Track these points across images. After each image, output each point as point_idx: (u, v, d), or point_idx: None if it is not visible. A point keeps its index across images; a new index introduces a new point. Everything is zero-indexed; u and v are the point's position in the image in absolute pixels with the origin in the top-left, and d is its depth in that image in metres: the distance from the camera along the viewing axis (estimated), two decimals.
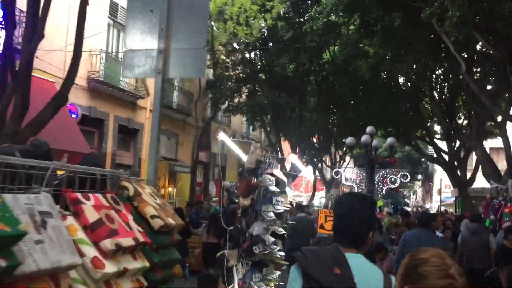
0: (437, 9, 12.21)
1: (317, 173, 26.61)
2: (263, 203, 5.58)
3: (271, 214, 5.57)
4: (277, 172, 6.01)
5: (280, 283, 5.95)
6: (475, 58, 16.28)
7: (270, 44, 19.47)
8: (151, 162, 4.06)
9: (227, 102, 20.56)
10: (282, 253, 5.95)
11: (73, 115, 13.65)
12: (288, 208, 6.29)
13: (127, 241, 2.72)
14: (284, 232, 5.97)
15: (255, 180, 5.58)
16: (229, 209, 5.89)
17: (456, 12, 11.40)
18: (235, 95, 20.40)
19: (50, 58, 12.19)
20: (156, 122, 4.16)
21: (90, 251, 2.49)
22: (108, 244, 2.56)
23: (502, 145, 28.69)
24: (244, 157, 5.99)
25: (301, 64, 19.08)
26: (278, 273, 5.94)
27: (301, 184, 36.39)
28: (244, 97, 20.83)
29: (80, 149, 11.46)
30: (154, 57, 4.23)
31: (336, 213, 2.45)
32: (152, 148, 4.10)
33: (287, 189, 6.17)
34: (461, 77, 17.37)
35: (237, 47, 19.38)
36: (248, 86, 20.89)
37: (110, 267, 2.54)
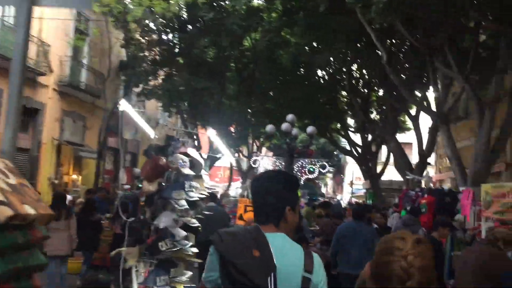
0: None
1: (233, 162, 25.76)
2: (174, 189, 4.45)
3: (183, 202, 4.45)
4: (192, 151, 4.88)
5: (192, 285, 4.85)
6: (393, 49, 16.16)
7: (189, 26, 18.05)
8: (8, 127, 2.78)
9: (141, 85, 18.91)
10: (195, 249, 4.84)
11: None
12: (204, 196, 5.18)
13: None
14: (198, 224, 4.88)
15: (164, 161, 4.43)
16: (131, 196, 4.67)
17: None
18: (150, 78, 18.81)
19: None
20: (17, 69, 2.85)
21: None
22: None
23: (410, 140, 29.81)
24: (151, 133, 4.76)
25: (221, 49, 17.95)
26: (189, 273, 4.81)
27: (217, 174, 35.43)
28: (160, 80, 19.29)
29: None
30: None
31: (252, 192, 2.33)
32: (11, 107, 2.81)
33: (203, 172, 5.06)
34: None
35: (153, 27, 17.84)
36: (165, 69, 19.38)
37: None
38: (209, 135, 5.94)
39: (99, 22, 16.68)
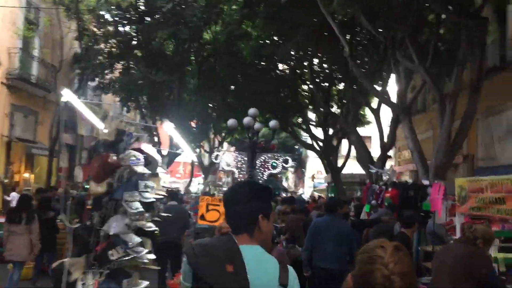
0: None
1: (195, 158, 25.11)
2: (126, 189, 3.91)
3: (137, 205, 3.91)
4: (148, 147, 4.34)
5: None
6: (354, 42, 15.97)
7: (147, 17, 17.21)
8: None
9: (97, 78, 17.98)
10: (152, 256, 4.31)
11: None
12: (162, 196, 4.64)
13: None
14: (155, 228, 4.34)
15: (115, 158, 3.88)
16: (76, 198, 4.08)
17: None
18: (107, 71, 17.91)
19: None
20: None
21: None
22: None
23: (370, 134, 30.02)
24: (101, 126, 4.18)
25: (181, 41, 17.27)
26: (144, 283, 4.27)
27: (178, 170, 34.63)
28: (117, 74, 18.41)
29: None
30: None
31: (224, 203, 2.27)
32: None
33: (160, 170, 4.53)
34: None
35: (109, 19, 16.95)
36: (122, 62, 18.50)
37: None
38: (167, 129, 5.47)
39: (51, 12, 15.64)
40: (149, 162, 4.22)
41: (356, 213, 12.39)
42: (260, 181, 15.73)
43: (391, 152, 20.61)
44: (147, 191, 4.07)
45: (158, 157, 4.45)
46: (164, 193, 4.69)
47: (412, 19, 12.26)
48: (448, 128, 11.70)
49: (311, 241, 6.67)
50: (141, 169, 4.00)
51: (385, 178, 11.80)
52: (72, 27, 16.35)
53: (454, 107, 11.70)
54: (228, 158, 17.12)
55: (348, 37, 14.38)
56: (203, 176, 27.09)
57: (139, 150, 4.15)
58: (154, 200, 4.33)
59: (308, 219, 8.89)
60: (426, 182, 10.96)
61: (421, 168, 12.24)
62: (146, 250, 4.17)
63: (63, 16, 15.53)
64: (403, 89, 13.24)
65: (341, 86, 22.81)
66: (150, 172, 4.19)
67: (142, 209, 3.95)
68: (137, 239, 3.92)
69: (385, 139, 16.98)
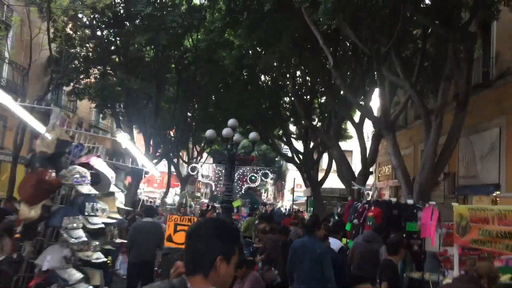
0: None
1: (172, 168, 24.23)
2: (67, 214, 3.14)
3: (79, 233, 3.15)
4: (98, 162, 3.59)
5: None
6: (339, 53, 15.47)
7: (126, 22, 16.41)
8: None
9: (72, 83, 17.05)
10: None
11: None
12: (115, 221, 3.88)
13: None
14: (104, 259, 3.57)
15: (53, 175, 3.12)
16: (4, 223, 3.30)
17: None
18: (82, 76, 17.01)
19: None
20: None
21: None
22: None
23: (350, 148, 29.59)
24: (47, 135, 3.39)
25: (160, 47, 16.53)
26: None
27: (155, 179, 33.61)
28: (93, 79, 17.52)
29: None
30: None
31: (185, 237, 2.05)
32: None
33: (115, 189, 3.78)
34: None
35: (86, 21, 16.10)
36: (99, 67, 17.64)
37: None
38: (121, 140, 4.67)
39: (23, 11, 14.72)
40: (100, 180, 3.48)
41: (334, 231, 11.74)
42: (238, 195, 15.01)
43: (372, 168, 20.14)
44: (95, 215, 3.32)
45: (111, 174, 3.71)
46: (118, 216, 3.93)
47: (398, 32, 11.79)
48: (434, 144, 11.20)
49: (289, 265, 6.45)
50: (86, 189, 3.25)
51: (367, 196, 11.17)
52: (45, 28, 15.43)
53: (441, 123, 11.22)
54: (206, 169, 16.34)
55: (332, 47, 13.84)
56: (180, 186, 26.19)
57: (86, 165, 3.41)
58: (105, 226, 3.57)
59: (287, 241, 8.19)
60: (410, 202, 10.39)
61: (405, 185, 11.70)
62: (92, 285, 3.40)
63: (35, 16, 14.62)
64: (387, 104, 12.71)
65: (323, 99, 22.36)
66: (99, 192, 3.45)
67: (85, 238, 3.20)
68: (78, 275, 3.14)
69: (367, 154, 16.46)
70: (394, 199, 10.65)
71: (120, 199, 3.97)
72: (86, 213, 3.27)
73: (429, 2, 12.46)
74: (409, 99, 12.80)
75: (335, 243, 7.38)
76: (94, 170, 3.44)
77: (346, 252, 7.46)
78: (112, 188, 3.70)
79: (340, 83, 13.01)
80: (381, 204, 10.64)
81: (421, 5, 12.32)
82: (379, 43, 12.27)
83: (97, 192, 3.37)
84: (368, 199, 11.27)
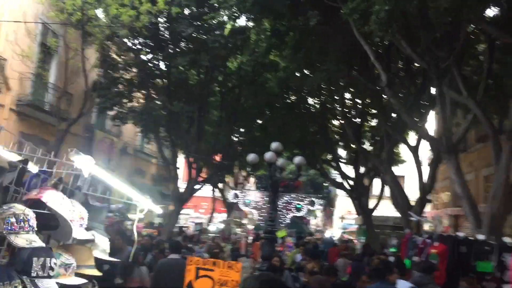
0: (360, 4, 9.53)
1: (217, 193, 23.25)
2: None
3: None
4: (55, 199, 2.47)
5: None
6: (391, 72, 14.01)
7: (167, 43, 15.71)
8: None
9: (116, 107, 16.53)
10: None
11: None
12: (85, 281, 2.72)
13: None
14: None
15: None
16: None
17: (383, 6, 8.75)
18: (125, 101, 16.46)
19: None
20: None
21: None
22: None
23: (402, 173, 27.48)
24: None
25: (202, 68, 15.75)
26: None
27: (202, 205, 32.76)
28: (136, 103, 16.95)
29: None
30: None
31: None
32: None
33: (87, 236, 2.66)
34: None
35: (129, 43, 15.62)
36: (142, 91, 17.08)
37: None
38: (80, 165, 3.55)
39: (67, 38, 14.39)
40: (58, 225, 2.38)
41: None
42: (283, 224, 13.66)
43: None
44: (48, 276, 2.21)
45: (82, 214, 2.60)
46: (97, 273, 2.77)
47: (461, 42, 10.31)
48: (506, 170, 9.51)
49: None
50: (23, 240, 2.14)
51: (438, 229, 9.54)
52: (90, 54, 15.05)
53: None
54: (252, 195, 15.19)
55: (384, 63, 12.46)
56: (227, 213, 25.11)
57: (38, 201, 2.33)
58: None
59: (338, 284, 6.79)
60: (481, 237, 8.72)
61: (472, 218, 9.97)
62: None
63: (74, 39, 14.22)
64: (448, 124, 11.10)
65: (373, 122, 20.81)
66: (47, 242, 2.34)
67: None
68: None
69: (424, 180, 14.72)
70: (461, 234, 8.98)
71: (102, 246, 2.86)
72: (33, 274, 2.15)
73: (497, 12, 10.88)
74: (474, 118, 11.13)
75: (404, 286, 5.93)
76: (48, 209, 2.35)
77: None
78: (83, 235, 2.58)
79: (394, 102, 11.58)
80: (446, 239, 9.04)
81: (486, 14, 10.78)
82: (438, 58, 10.80)
83: (42, 244, 2.26)
84: (429, 233, 9.69)
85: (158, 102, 16.72)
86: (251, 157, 12.30)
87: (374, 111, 18.78)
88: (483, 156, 17.31)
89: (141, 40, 15.73)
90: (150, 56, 16.53)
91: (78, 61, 14.36)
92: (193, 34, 14.21)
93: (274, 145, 11.84)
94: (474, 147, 18.33)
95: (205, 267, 4.83)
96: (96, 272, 2.71)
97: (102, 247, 2.86)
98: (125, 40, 15.49)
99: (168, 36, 15.26)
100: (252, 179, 27.86)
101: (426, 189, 14.45)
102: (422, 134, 12.62)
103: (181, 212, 18.73)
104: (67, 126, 14.03)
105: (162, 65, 16.42)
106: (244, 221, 31.27)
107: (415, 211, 13.89)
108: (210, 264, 4.83)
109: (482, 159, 17.37)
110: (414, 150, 14.66)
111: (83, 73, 13.77)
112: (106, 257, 2.90)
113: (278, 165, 11.63)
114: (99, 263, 2.84)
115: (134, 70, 16.54)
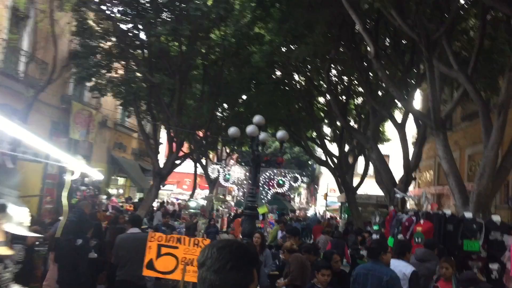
0: None
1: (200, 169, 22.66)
2: None
3: None
4: None
5: None
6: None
7: (149, 12, 14.80)
8: None
9: (93, 79, 15.66)
10: None
11: None
12: None
13: None
14: None
15: None
16: None
17: None
18: (104, 71, 15.60)
19: None
20: None
21: None
22: None
23: (387, 152, 27.14)
24: None
25: (184, 39, 14.93)
26: None
27: (185, 181, 32.20)
28: (115, 74, 16.08)
29: None
30: None
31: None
32: None
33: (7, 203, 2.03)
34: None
35: (109, 13, 14.72)
36: (122, 62, 16.21)
37: None
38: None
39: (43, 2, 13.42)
40: None
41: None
42: (263, 200, 13.16)
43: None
44: None
45: None
46: (7, 252, 2.17)
47: (453, 13, 9.71)
48: (496, 147, 9.04)
49: None
50: None
51: (424, 206, 9.05)
52: (65, 21, 14.13)
53: (504, 121, 9.06)
54: (234, 172, 14.60)
55: (373, 35, 11.83)
56: (209, 189, 24.56)
57: None
58: None
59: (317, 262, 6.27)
60: (468, 215, 8.28)
61: (459, 195, 9.52)
62: None
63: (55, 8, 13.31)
64: (437, 99, 10.57)
65: (359, 100, 20.29)
66: None
67: None
68: None
69: (409, 158, 14.28)
70: (448, 211, 8.54)
71: (16, 218, 2.22)
72: None
73: None
74: (463, 94, 10.60)
75: (403, 267, 5.49)
76: None
77: (419, 278, 5.62)
78: None
79: (382, 75, 10.98)
80: (433, 217, 8.59)
81: None
82: (428, 30, 10.20)
83: None
84: (414, 210, 9.23)
85: (139, 74, 15.92)
86: (232, 130, 11.64)
87: (360, 89, 18.23)
88: (469, 135, 16.95)
89: (120, 8, 14.84)
90: (130, 25, 15.62)
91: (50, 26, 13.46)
92: (174, 2, 13.34)
93: (257, 118, 11.19)
94: (459, 125, 17.97)
95: (168, 244, 4.24)
96: (6, 251, 2.09)
97: (17, 219, 2.22)
98: (103, 7, 14.59)
99: (148, 4, 14.36)
100: (236, 156, 27.30)
101: (411, 167, 14.02)
102: (410, 109, 12.09)
103: (162, 188, 18.11)
104: (35, 93, 13.22)
105: (142, 36, 15.54)
106: (228, 197, 30.81)
107: (400, 188, 13.47)
108: (174, 241, 4.24)
109: (468, 138, 17.01)
110: (400, 127, 14.17)
111: (52, 37, 12.87)
112: (25, 231, 2.27)
113: (260, 139, 11.02)
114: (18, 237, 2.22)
115: (113, 39, 15.65)
